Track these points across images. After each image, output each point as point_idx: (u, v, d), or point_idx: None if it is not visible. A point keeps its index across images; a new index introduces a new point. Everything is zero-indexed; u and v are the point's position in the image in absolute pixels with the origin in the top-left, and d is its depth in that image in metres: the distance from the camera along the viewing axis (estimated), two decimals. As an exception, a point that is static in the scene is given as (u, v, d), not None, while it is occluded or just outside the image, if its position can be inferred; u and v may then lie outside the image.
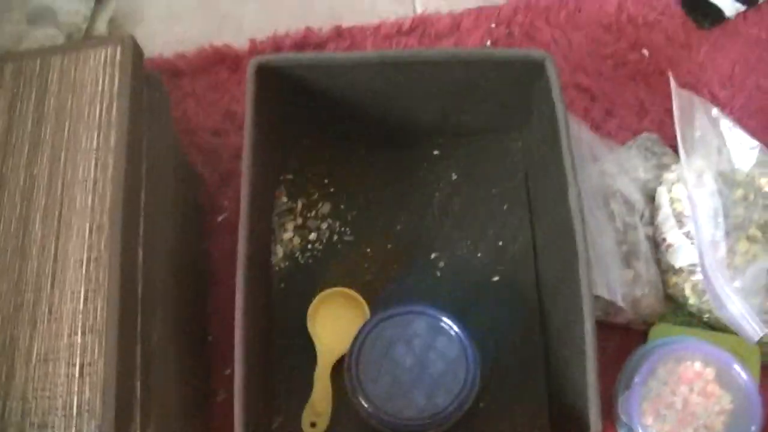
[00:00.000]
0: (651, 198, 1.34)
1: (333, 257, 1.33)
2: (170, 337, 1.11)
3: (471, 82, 1.25)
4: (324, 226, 1.35)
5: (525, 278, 1.32)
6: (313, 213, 1.36)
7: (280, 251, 1.33)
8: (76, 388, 0.96)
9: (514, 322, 1.29)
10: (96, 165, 1.07)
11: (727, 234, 1.23)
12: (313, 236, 1.34)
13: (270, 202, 1.35)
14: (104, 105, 1.10)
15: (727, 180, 1.28)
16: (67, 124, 1.10)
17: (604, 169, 1.33)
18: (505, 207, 1.37)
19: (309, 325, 1.26)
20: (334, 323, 1.27)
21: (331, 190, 1.38)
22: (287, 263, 1.32)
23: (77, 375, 0.97)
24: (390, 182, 1.39)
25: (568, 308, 1.13)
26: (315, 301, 1.27)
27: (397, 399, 1.14)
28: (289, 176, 1.38)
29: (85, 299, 1.00)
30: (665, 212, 1.29)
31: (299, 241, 1.34)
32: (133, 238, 1.06)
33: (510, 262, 1.33)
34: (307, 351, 1.26)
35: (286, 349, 1.28)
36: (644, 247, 1.29)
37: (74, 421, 0.95)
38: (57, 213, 1.05)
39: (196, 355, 1.25)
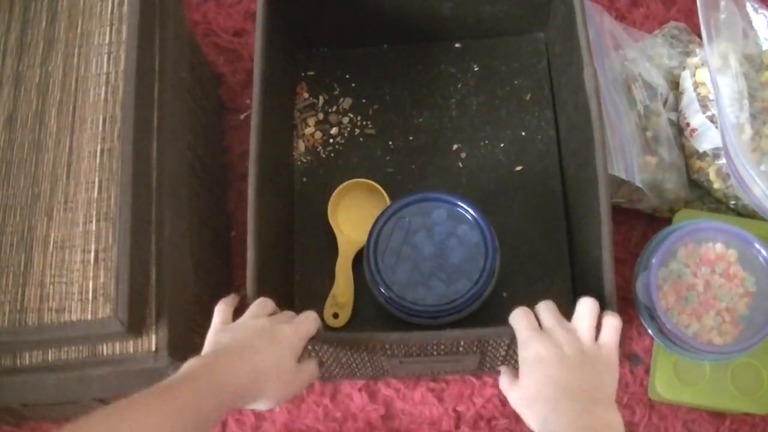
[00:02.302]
0: (675, 84, 1.32)
1: (354, 151, 1.33)
2: (185, 227, 1.13)
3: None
4: (345, 120, 1.35)
5: (549, 167, 1.31)
6: (335, 108, 1.36)
7: (302, 146, 1.33)
8: (91, 274, 0.99)
9: (539, 211, 1.29)
10: (108, 59, 1.09)
11: (753, 117, 1.20)
12: (334, 131, 1.34)
13: (290, 98, 1.35)
14: (115, 1, 1.12)
15: (753, 62, 1.25)
16: (79, 21, 1.12)
17: (626, 55, 1.31)
18: (528, 97, 1.35)
19: (330, 216, 1.27)
20: (355, 214, 1.27)
21: (353, 85, 1.38)
22: (309, 158, 1.33)
23: (92, 261, 0.99)
24: (411, 75, 1.38)
25: (587, 191, 1.11)
26: (336, 192, 1.27)
27: (417, 286, 1.15)
28: (311, 72, 1.39)
29: (99, 188, 1.02)
30: (689, 96, 1.27)
31: (321, 135, 1.34)
32: (147, 130, 1.07)
33: (533, 151, 1.32)
34: (329, 244, 1.27)
35: (308, 243, 1.29)
36: (667, 132, 1.27)
37: (90, 306, 0.98)
38: (71, 107, 1.08)
39: (216, 249, 1.27)
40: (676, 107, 1.30)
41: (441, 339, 1.03)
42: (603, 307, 0.99)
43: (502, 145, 1.33)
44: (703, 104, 1.25)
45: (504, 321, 1.03)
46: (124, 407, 0.77)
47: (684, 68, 1.31)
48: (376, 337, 1.02)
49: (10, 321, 0.98)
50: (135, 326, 0.99)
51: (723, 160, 1.22)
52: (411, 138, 1.34)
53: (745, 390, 1.16)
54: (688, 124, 1.27)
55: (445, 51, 1.39)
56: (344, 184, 1.28)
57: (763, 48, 1.27)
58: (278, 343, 0.92)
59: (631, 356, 1.25)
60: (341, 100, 1.36)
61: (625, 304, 1.26)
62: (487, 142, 1.33)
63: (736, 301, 1.16)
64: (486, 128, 1.34)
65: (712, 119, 1.24)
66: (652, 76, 1.30)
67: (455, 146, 1.33)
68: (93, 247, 1.00)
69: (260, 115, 1.11)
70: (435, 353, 1.09)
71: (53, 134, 1.06)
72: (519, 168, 1.31)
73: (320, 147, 1.33)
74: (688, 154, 1.28)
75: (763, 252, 1.16)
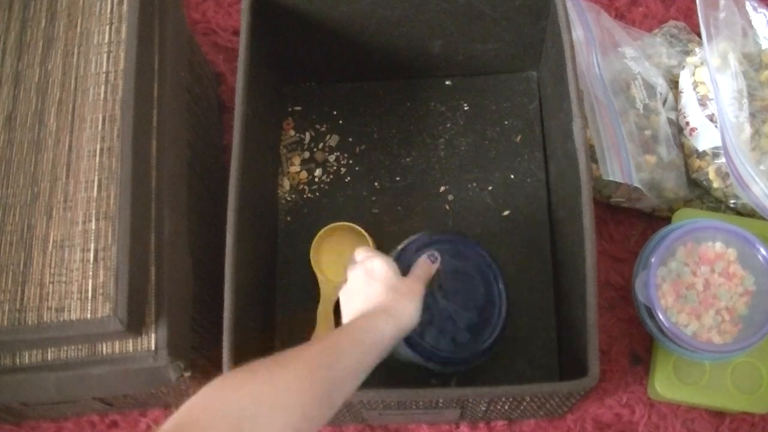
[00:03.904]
0: (675, 83, 1.32)
1: (340, 191, 1.31)
2: (185, 226, 1.13)
3: (474, 8, 1.21)
4: (332, 158, 1.33)
5: (537, 213, 1.29)
6: (321, 145, 1.34)
7: (286, 184, 1.32)
8: (91, 273, 0.99)
9: (525, 258, 1.26)
10: (108, 58, 1.09)
11: (752, 116, 1.20)
12: (319, 171, 1.32)
13: (276, 133, 1.34)
14: (115, 0, 1.12)
15: (753, 62, 1.25)
16: (79, 20, 1.12)
17: (624, 54, 1.31)
18: (518, 139, 1.33)
19: (312, 259, 1.25)
20: (338, 258, 1.25)
21: (340, 122, 1.36)
22: (294, 196, 1.31)
23: (92, 260, 0.99)
24: (400, 113, 1.36)
25: (574, 245, 1.08)
26: (318, 236, 1.26)
27: (429, 327, 1.08)
28: (298, 107, 1.37)
29: (99, 187, 1.02)
30: (688, 95, 1.27)
31: (306, 175, 1.32)
32: (146, 129, 1.07)
33: (522, 195, 1.30)
34: (312, 285, 1.25)
35: (290, 284, 1.27)
36: (666, 131, 1.27)
37: (89, 305, 0.97)
38: (71, 106, 1.07)
39: (216, 249, 1.26)
40: (676, 106, 1.30)
41: (419, 397, 1.00)
42: (587, 368, 0.96)
43: (490, 188, 1.30)
44: (703, 103, 1.25)
45: (486, 372, 0.99)
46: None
47: (683, 67, 1.31)
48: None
49: (9, 320, 0.97)
50: (134, 325, 0.98)
51: (722, 159, 1.22)
52: (398, 178, 1.32)
53: (745, 389, 1.16)
54: (687, 123, 1.27)
55: (435, 88, 1.37)
56: (326, 227, 1.26)
57: (763, 47, 1.27)
58: (377, 280, 1.00)
59: (630, 356, 1.25)
60: (328, 137, 1.35)
61: (625, 303, 1.26)
62: (475, 184, 1.31)
63: (736, 300, 1.16)
64: (474, 170, 1.32)
65: (711, 118, 1.24)
66: (651, 75, 1.30)
67: (442, 188, 1.31)
68: (92, 246, 1.00)
69: (240, 160, 1.08)
70: (414, 407, 1.06)
71: (53, 133, 1.06)
72: (506, 213, 1.29)
73: (305, 186, 1.32)
74: (687, 153, 1.28)
75: (763, 251, 1.16)
